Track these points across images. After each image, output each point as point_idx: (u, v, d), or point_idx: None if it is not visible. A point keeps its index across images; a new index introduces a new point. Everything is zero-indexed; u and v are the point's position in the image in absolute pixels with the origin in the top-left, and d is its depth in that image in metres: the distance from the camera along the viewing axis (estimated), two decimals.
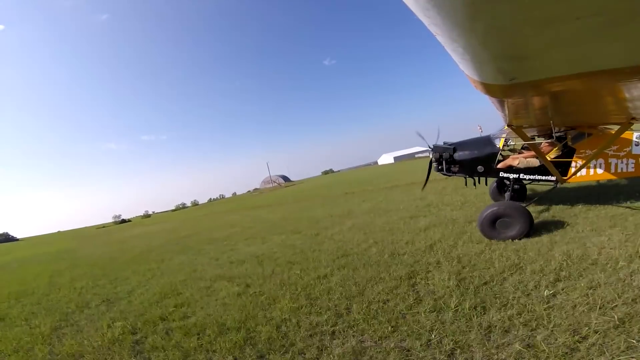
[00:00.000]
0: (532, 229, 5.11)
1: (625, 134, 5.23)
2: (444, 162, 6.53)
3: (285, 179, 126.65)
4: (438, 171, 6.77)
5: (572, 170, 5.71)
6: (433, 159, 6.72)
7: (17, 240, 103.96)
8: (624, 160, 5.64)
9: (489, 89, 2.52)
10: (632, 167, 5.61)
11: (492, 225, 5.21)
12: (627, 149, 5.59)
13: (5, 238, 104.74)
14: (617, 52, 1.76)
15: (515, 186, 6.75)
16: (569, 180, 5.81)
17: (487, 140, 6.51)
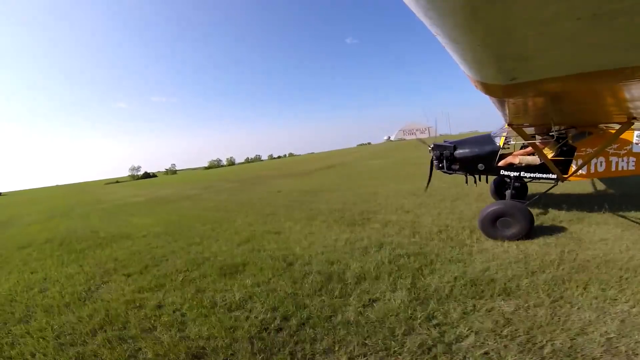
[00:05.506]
0: (533, 229, 5.11)
1: (626, 133, 5.23)
2: (444, 160, 6.53)
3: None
4: (438, 169, 6.77)
5: (573, 168, 5.71)
6: (434, 157, 6.71)
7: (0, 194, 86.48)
8: (625, 159, 5.64)
9: (490, 89, 2.51)
10: (633, 166, 5.62)
11: (492, 224, 5.21)
12: (628, 148, 5.60)
13: None
14: (618, 53, 1.75)
15: (516, 184, 6.74)
16: (569, 179, 5.81)
17: (488, 139, 6.51)
